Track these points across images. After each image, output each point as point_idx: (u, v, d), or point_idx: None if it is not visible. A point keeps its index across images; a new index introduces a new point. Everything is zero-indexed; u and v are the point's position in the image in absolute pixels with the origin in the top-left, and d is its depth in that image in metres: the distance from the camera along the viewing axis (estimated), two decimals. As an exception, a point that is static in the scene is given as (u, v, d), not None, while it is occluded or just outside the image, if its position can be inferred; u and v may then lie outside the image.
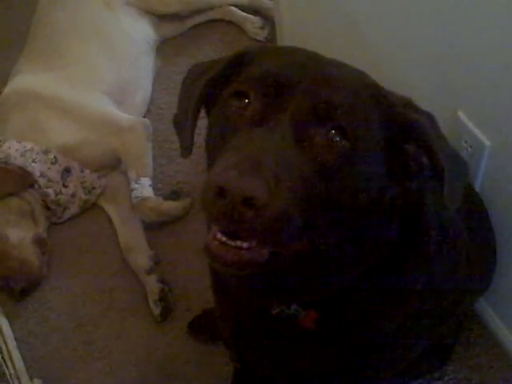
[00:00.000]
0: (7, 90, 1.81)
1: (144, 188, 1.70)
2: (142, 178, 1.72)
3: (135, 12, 2.05)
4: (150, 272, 1.64)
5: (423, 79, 1.30)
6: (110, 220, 1.80)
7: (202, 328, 1.53)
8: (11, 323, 1.65)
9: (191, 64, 2.02)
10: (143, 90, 1.98)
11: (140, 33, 2.04)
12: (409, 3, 1.25)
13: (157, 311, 1.58)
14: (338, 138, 0.72)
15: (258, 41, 2.15)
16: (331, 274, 0.84)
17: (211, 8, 2.21)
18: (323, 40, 1.74)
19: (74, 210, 1.78)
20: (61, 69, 1.80)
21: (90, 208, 1.84)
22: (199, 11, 2.21)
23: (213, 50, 2.16)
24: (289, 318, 0.89)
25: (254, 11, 2.21)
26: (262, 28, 2.16)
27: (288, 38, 1.98)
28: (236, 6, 2.22)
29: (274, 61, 0.78)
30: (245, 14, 2.19)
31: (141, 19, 2.07)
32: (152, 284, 1.61)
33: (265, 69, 0.76)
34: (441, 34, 1.18)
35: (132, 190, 1.71)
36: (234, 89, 0.77)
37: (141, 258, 1.67)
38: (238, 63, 0.82)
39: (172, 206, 1.74)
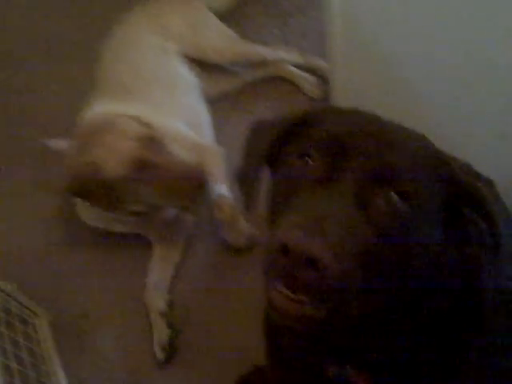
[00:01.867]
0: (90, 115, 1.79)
1: (224, 189, 1.74)
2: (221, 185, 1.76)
3: (189, 61, 2.13)
4: (162, 315, 1.66)
5: (481, 142, 1.29)
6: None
7: None
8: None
9: (246, 118, 2.10)
10: (203, 136, 2.03)
11: (196, 82, 2.12)
12: (464, 65, 1.26)
13: (161, 356, 1.62)
14: (398, 201, 0.73)
15: (314, 99, 2.19)
16: (385, 335, 0.83)
17: (266, 64, 2.26)
18: (377, 100, 1.75)
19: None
20: (137, 103, 1.85)
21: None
22: (254, 66, 2.26)
23: (268, 107, 2.21)
24: (342, 379, 0.89)
25: (310, 70, 2.25)
26: (318, 86, 2.20)
27: (342, 97, 2.01)
28: (292, 64, 2.26)
29: (337, 122, 0.81)
30: (301, 72, 2.24)
31: (195, 69, 2.14)
32: (162, 328, 1.65)
33: (328, 130, 0.79)
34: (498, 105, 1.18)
35: (212, 188, 1.74)
36: (298, 149, 0.80)
37: (158, 299, 1.70)
38: (301, 123, 0.85)
39: (245, 223, 1.78)
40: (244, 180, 0.93)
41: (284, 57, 2.25)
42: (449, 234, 0.78)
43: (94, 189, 1.54)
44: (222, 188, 1.74)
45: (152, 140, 1.57)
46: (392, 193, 0.73)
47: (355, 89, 1.91)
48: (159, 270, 1.81)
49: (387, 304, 0.77)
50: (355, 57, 1.81)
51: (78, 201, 1.76)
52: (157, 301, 1.71)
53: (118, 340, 1.74)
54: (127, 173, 1.52)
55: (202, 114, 2.07)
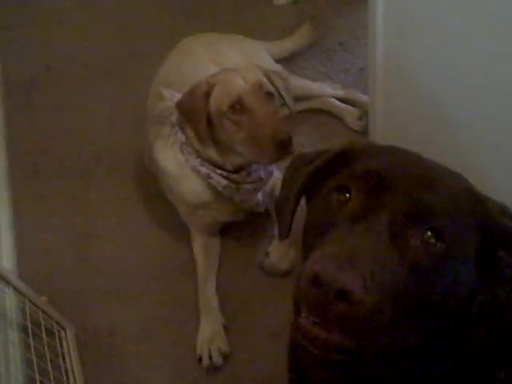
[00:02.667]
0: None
1: None
2: None
3: None
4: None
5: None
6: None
7: None
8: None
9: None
10: None
11: None
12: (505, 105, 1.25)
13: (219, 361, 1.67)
14: (433, 240, 0.73)
15: (355, 131, 2.21)
16: (413, 369, 0.83)
17: (310, 97, 2.29)
18: (415, 135, 1.75)
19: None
20: None
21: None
22: (298, 100, 2.29)
23: (308, 138, 2.23)
24: None
25: (351, 104, 2.27)
26: (360, 119, 2.21)
27: (381, 130, 2.02)
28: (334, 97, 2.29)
29: (377, 159, 0.82)
30: (343, 104, 2.26)
31: None
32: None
33: (368, 166, 0.80)
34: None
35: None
36: (336, 183, 0.81)
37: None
38: (341, 158, 0.86)
39: (294, 249, 1.83)
40: (281, 210, 0.94)
41: (328, 91, 2.29)
42: (482, 274, 0.77)
43: (199, 108, 1.63)
44: None
45: (262, 88, 1.63)
46: (427, 231, 0.73)
47: (394, 123, 1.92)
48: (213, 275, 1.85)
49: (416, 339, 0.77)
50: (395, 92, 1.82)
51: (187, 174, 1.78)
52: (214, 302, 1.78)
53: (143, 358, 1.74)
54: (225, 109, 1.60)
55: None
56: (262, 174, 1.77)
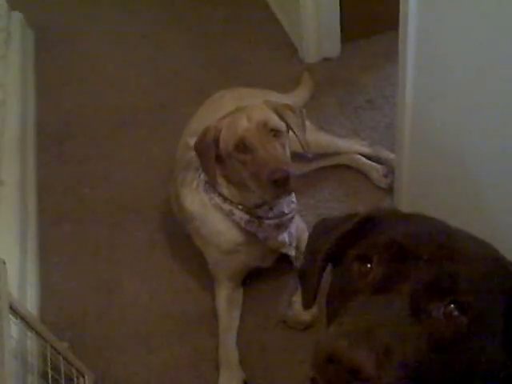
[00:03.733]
0: None
1: None
2: None
3: None
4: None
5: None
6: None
7: None
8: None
9: (311, 204, 2.11)
10: None
11: None
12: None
13: None
14: (456, 313, 0.72)
15: (381, 188, 2.22)
16: None
17: (337, 154, 2.32)
18: (442, 197, 1.75)
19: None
20: None
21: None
22: (325, 155, 2.31)
23: (332, 194, 2.25)
24: None
25: (377, 161, 2.29)
26: (386, 176, 2.22)
27: (406, 190, 2.03)
28: (361, 154, 2.31)
29: (402, 228, 0.81)
30: (370, 161, 2.28)
31: None
32: None
33: (391, 236, 0.79)
34: None
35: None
36: (358, 252, 0.80)
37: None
38: (366, 224, 0.86)
39: None
40: (306, 277, 0.93)
41: (355, 147, 2.31)
42: (509, 347, 0.75)
43: (209, 151, 1.71)
44: None
45: (268, 126, 1.67)
46: (451, 304, 0.72)
47: (420, 181, 1.92)
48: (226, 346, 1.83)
49: None
50: (421, 151, 1.83)
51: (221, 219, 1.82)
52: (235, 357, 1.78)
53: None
54: (231, 149, 1.66)
55: None
56: (285, 210, 1.78)
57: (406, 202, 2.07)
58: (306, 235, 2.03)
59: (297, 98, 2.45)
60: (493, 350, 0.74)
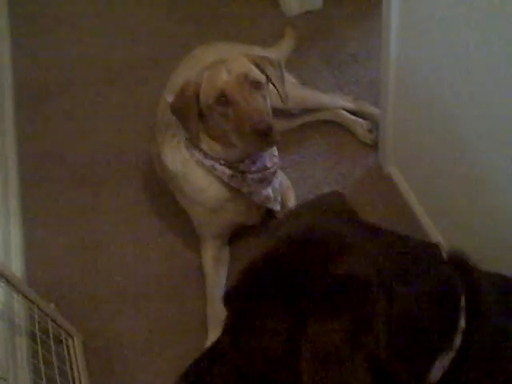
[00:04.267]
0: None
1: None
2: None
3: None
4: None
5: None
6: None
7: None
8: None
9: (296, 161, 2.10)
10: None
11: None
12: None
13: None
14: None
15: (365, 143, 2.21)
16: None
17: (321, 109, 2.30)
18: (427, 150, 1.75)
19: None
20: None
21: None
22: (309, 111, 2.29)
23: (316, 150, 2.24)
24: None
25: (361, 115, 2.27)
26: (370, 131, 2.21)
27: (391, 144, 2.02)
28: (345, 109, 2.29)
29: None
30: (354, 117, 2.26)
31: None
32: None
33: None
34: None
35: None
36: None
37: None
38: None
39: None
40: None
41: (339, 102, 2.29)
42: None
43: (190, 107, 1.67)
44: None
45: (248, 78, 1.64)
46: None
47: (404, 135, 1.92)
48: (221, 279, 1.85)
49: None
50: (406, 104, 1.82)
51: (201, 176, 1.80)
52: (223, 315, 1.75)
53: (150, 367, 1.74)
54: (211, 103, 1.63)
55: None
56: (268, 163, 1.77)
57: (391, 156, 2.07)
58: (291, 193, 2.03)
59: (279, 52, 2.41)
60: None
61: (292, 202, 2.00)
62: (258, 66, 1.70)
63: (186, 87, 1.69)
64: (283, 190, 1.93)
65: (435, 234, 1.85)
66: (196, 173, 1.79)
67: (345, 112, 2.28)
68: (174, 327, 1.81)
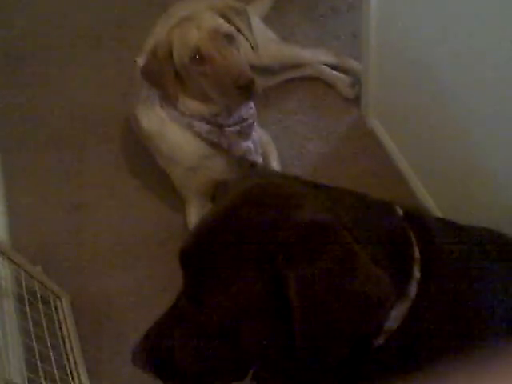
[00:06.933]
0: None
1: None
2: None
3: None
4: None
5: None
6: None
7: None
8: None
9: (277, 117, 2.09)
10: None
11: None
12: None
13: None
14: None
15: (348, 98, 2.20)
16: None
17: (301, 64, 2.27)
18: (408, 104, 1.75)
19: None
20: None
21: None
22: (290, 67, 2.27)
23: (298, 107, 2.23)
24: None
25: (343, 70, 2.25)
26: (352, 86, 2.20)
27: (373, 99, 2.02)
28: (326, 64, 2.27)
29: None
30: (335, 72, 2.24)
31: None
32: None
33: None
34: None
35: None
36: None
37: None
38: None
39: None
40: None
41: (320, 58, 2.26)
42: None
43: (165, 68, 1.63)
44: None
45: (219, 32, 1.61)
46: None
47: (387, 90, 1.91)
48: None
49: None
50: (388, 58, 1.81)
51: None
52: None
53: (139, 325, 1.74)
54: (187, 62, 1.60)
55: None
56: (244, 115, 1.75)
57: (373, 111, 2.07)
58: (272, 148, 2.02)
59: (259, 7, 2.37)
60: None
61: (275, 158, 1.99)
62: (224, 17, 1.67)
63: (158, 49, 1.65)
64: (264, 145, 1.92)
65: (418, 187, 1.86)
66: (173, 131, 1.77)
67: (326, 67, 2.26)
68: (161, 285, 1.82)
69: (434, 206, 1.80)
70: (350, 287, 0.73)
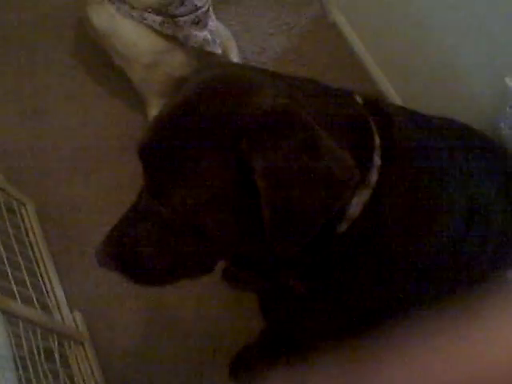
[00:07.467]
0: None
1: None
2: None
3: None
4: None
5: (471, 46, 1.27)
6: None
7: None
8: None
9: (237, 11, 1.99)
10: None
11: None
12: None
13: None
14: None
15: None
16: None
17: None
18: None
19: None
20: None
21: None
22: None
23: (258, 0, 2.15)
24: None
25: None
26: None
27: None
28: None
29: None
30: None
31: None
32: None
33: None
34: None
35: None
36: None
37: None
38: None
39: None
40: None
41: None
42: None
43: None
44: None
45: None
46: None
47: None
48: None
49: None
50: None
51: None
52: None
53: (106, 228, 1.76)
54: None
55: None
56: (197, 2, 1.67)
57: (335, 3, 2.00)
58: (232, 43, 1.96)
59: None
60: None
61: (235, 54, 1.94)
62: None
63: None
64: (224, 41, 1.85)
65: (381, 78, 1.85)
66: (125, 27, 1.68)
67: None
68: (127, 189, 1.81)
69: (397, 97, 1.80)
70: (315, 165, 0.74)
